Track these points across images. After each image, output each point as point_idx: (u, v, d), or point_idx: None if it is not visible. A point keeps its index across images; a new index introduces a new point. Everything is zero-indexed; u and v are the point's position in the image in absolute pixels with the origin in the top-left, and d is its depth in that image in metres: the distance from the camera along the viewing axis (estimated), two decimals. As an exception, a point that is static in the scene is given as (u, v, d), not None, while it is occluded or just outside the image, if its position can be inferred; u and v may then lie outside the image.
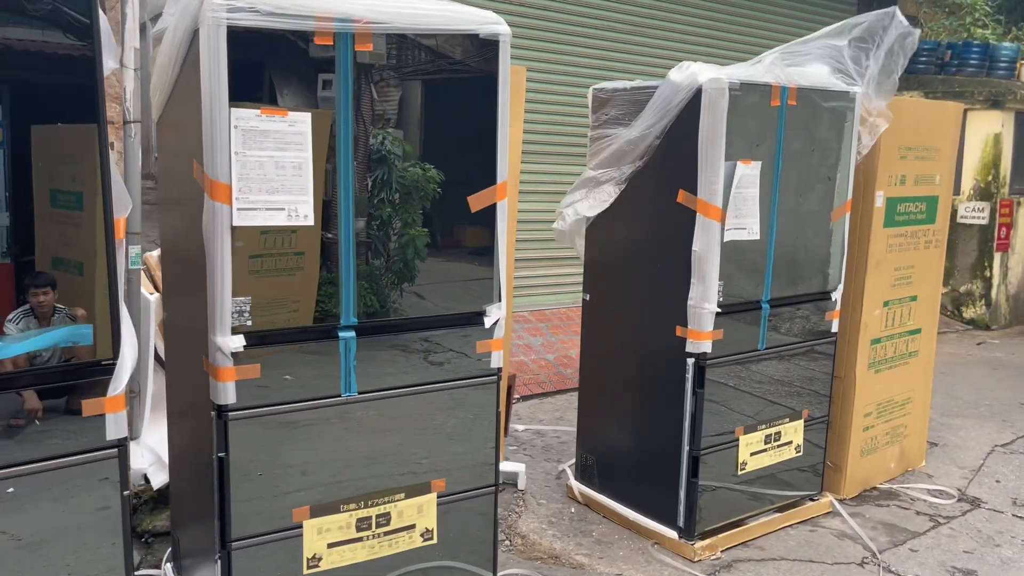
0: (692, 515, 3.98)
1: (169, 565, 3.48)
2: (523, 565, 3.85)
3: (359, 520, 2.96)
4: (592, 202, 4.08)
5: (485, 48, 3.02)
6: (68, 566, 2.44)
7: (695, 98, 3.71)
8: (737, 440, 4.10)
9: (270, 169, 2.63)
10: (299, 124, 2.67)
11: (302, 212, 2.69)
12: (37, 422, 2.32)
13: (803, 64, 4.12)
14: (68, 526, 2.41)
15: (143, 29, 3.91)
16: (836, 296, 4.43)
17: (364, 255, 2.97)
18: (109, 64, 2.47)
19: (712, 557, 3.97)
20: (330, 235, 2.88)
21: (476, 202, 3.06)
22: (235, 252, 2.61)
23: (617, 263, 4.30)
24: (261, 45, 2.66)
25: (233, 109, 2.55)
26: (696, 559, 3.93)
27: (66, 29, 2.31)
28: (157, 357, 4.33)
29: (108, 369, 2.33)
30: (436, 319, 3.09)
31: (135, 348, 2.39)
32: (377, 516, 3.00)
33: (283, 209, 2.66)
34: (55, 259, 2.42)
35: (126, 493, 2.39)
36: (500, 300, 3.16)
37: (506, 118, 3.06)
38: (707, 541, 4.00)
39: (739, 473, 4.14)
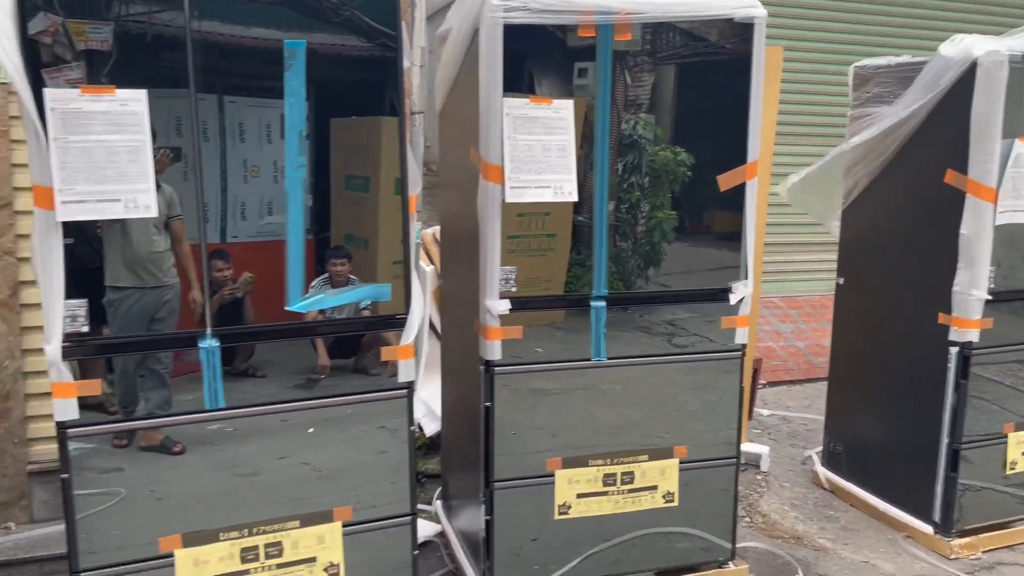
0: (949, 511, 3.79)
1: (439, 503, 3.95)
2: (763, 542, 3.90)
3: (606, 475, 3.21)
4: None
5: (740, 31, 3.11)
6: (357, 496, 2.84)
7: (968, 73, 3.51)
8: (1006, 438, 3.84)
9: (538, 151, 2.92)
10: (563, 111, 2.93)
11: (567, 189, 2.96)
12: (321, 377, 2.74)
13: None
14: (357, 463, 2.82)
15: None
16: None
17: (611, 238, 3.14)
18: (404, 64, 2.88)
19: (971, 557, 3.77)
20: (581, 218, 3.10)
21: (725, 181, 3.16)
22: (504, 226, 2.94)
23: (874, 246, 4.17)
24: (524, 38, 2.90)
25: (505, 99, 2.87)
26: (952, 556, 3.75)
27: (369, 35, 2.69)
28: (431, 324, 4.86)
29: (401, 322, 2.74)
30: (682, 294, 3.24)
31: (422, 306, 2.79)
32: (622, 474, 3.23)
33: (549, 187, 2.94)
34: (347, 235, 2.82)
35: (412, 428, 2.81)
36: (747, 278, 3.24)
37: (759, 99, 3.12)
38: (966, 540, 3.80)
39: (1008, 473, 3.87)
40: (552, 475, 3.16)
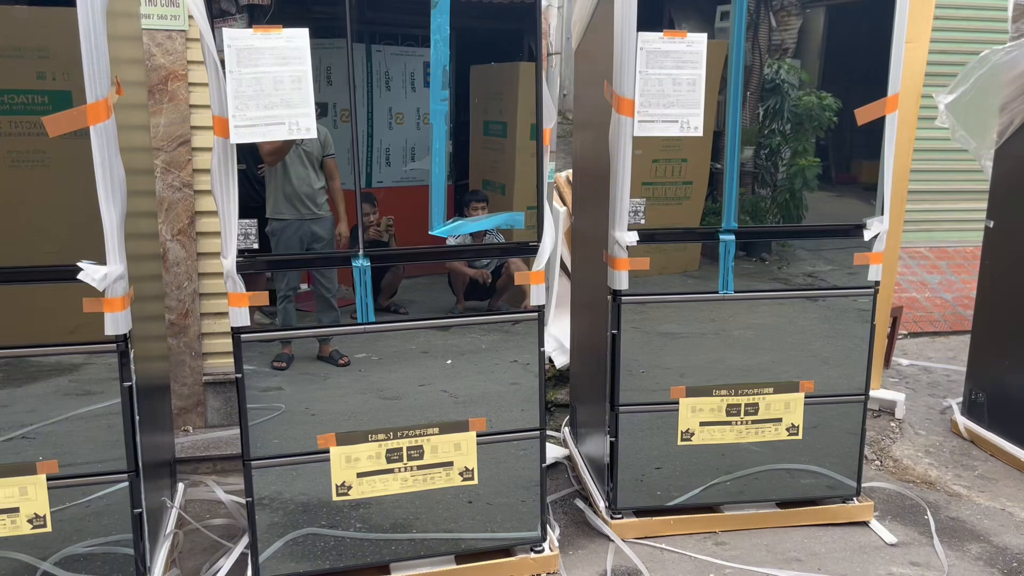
0: (1098, 464, 3.64)
1: (567, 429, 4.15)
2: (893, 484, 3.87)
3: (729, 406, 3.29)
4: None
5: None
6: (489, 418, 3.04)
7: None
8: None
9: (668, 86, 2.98)
10: (695, 44, 2.97)
11: (693, 124, 3.01)
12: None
13: None
14: (491, 384, 2.99)
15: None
16: None
17: (750, 185, 3.15)
18: (542, 6, 2.98)
19: (1120, 512, 3.61)
20: (719, 165, 3.12)
21: (864, 115, 3.11)
22: (634, 160, 3.02)
23: (1029, 187, 3.97)
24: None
25: (640, 33, 2.93)
26: (1098, 510, 3.61)
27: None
28: (562, 264, 5.02)
29: (533, 249, 2.90)
30: (813, 229, 3.24)
31: (553, 236, 2.94)
32: (746, 405, 3.30)
33: (676, 121, 3.01)
34: (484, 181, 2.96)
35: (542, 349, 2.98)
36: (883, 214, 3.19)
37: (903, 31, 3.04)
38: (1115, 494, 3.64)
39: None
40: (676, 403, 3.27)
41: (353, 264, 2.74)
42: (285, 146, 2.68)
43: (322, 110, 2.63)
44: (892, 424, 4.59)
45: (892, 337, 5.47)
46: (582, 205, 3.84)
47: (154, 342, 3.28)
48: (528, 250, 2.91)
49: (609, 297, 3.19)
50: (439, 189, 2.76)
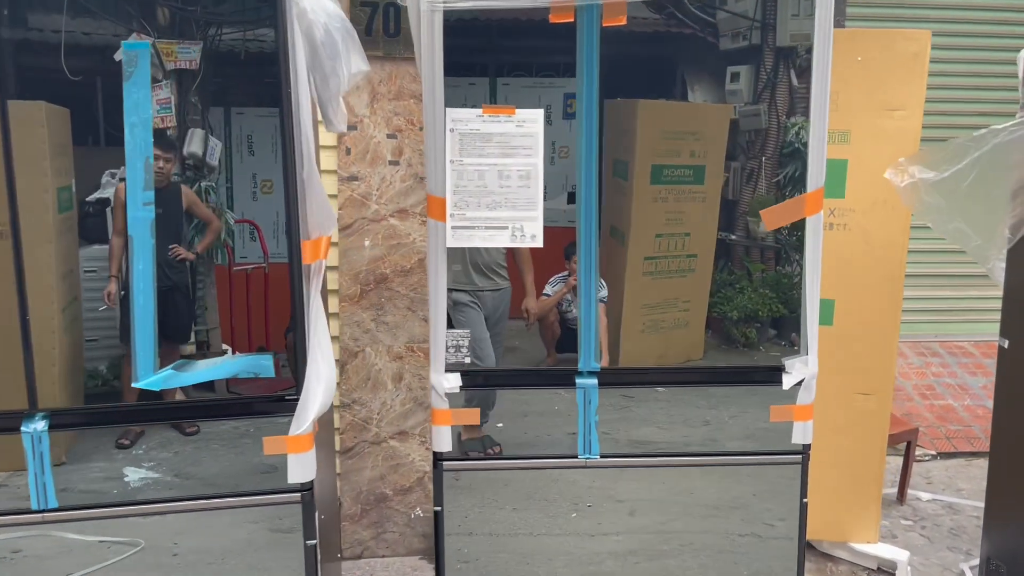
0: None
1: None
2: None
3: (600, 614, 2.39)
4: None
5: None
6: None
7: None
8: None
9: (492, 180, 2.18)
10: (529, 124, 2.18)
11: (528, 231, 2.20)
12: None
13: None
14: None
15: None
16: None
17: (771, 260, 2.67)
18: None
19: None
20: (734, 237, 2.66)
21: (772, 218, 2.26)
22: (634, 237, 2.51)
23: (1052, 300, 3.00)
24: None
25: (449, 110, 2.16)
26: None
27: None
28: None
29: (290, 405, 2.09)
30: (711, 372, 2.38)
31: (331, 383, 2.13)
32: (624, 614, 2.40)
33: (506, 228, 2.20)
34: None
35: (312, 542, 2.15)
36: (807, 353, 2.29)
37: (824, 103, 2.19)
38: None
39: None
40: (526, 609, 2.39)
41: (23, 430, 1.99)
42: None
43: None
44: (891, 593, 3.57)
45: (907, 465, 4.45)
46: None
47: None
48: (285, 406, 2.10)
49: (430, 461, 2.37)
50: (145, 330, 2.00)
